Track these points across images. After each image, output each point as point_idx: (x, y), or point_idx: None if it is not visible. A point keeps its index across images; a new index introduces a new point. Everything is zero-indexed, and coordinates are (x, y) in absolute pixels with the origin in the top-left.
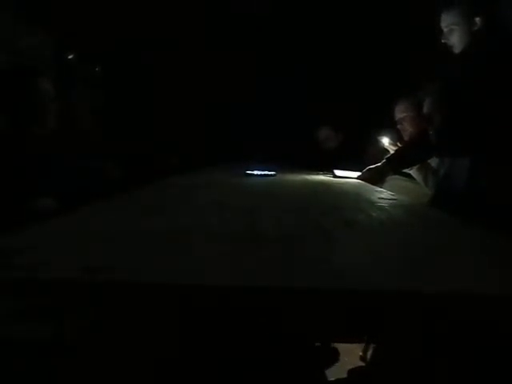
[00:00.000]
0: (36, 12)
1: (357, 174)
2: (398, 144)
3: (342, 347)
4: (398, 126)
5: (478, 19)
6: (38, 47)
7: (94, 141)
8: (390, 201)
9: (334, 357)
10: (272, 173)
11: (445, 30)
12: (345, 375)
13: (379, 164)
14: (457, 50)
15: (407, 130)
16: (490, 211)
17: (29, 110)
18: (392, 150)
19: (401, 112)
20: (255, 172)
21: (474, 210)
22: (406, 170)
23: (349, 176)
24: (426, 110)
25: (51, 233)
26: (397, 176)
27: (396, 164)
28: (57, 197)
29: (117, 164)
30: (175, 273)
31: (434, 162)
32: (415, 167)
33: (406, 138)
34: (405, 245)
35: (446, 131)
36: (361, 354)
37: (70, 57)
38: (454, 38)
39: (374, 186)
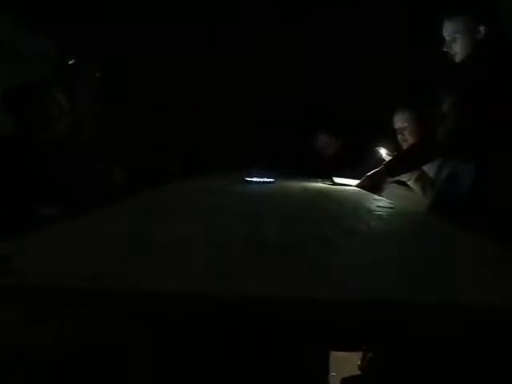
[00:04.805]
0: (38, 18)
1: (356, 181)
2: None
3: (340, 356)
4: (399, 136)
5: (482, 28)
6: (40, 53)
7: (93, 145)
8: (389, 209)
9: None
10: (271, 180)
11: (447, 38)
12: None
13: (377, 170)
14: (459, 58)
15: (408, 140)
16: (494, 215)
17: (42, 121)
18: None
19: (402, 122)
20: (254, 179)
21: (476, 213)
22: (404, 180)
23: (348, 184)
24: (444, 108)
25: (51, 239)
26: (395, 184)
27: (394, 168)
28: (59, 200)
29: (118, 169)
30: (174, 281)
31: (431, 172)
32: (413, 178)
33: (405, 147)
34: (404, 254)
35: (453, 134)
36: (359, 363)
37: (71, 62)
38: (457, 46)
39: (372, 194)
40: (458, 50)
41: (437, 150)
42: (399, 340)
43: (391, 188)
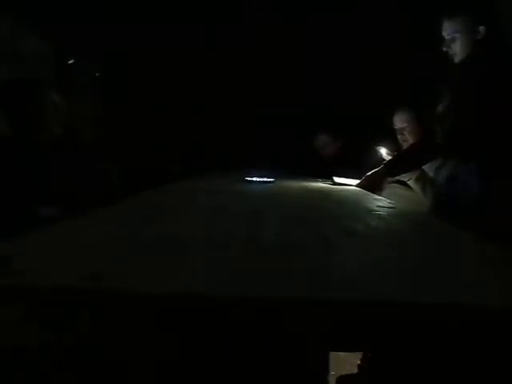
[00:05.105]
0: (37, 18)
1: (356, 181)
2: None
3: (340, 356)
4: (399, 136)
5: (481, 28)
6: (38, 53)
7: (93, 145)
8: (389, 209)
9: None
10: (271, 180)
11: (447, 38)
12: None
13: (377, 169)
14: (458, 58)
15: (408, 140)
16: (494, 215)
17: (36, 120)
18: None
19: (402, 122)
20: (254, 179)
21: (476, 213)
22: (404, 179)
23: (348, 183)
24: (443, 108)
25: (51, 239)
26: (395, 184)
27: (394, 168)
28: (59, 200)
29: (116, 169)
30: (174, 281)
31: (431, 172)
32: (413, 178)
33: (405, 147)
34: (404, 254)
35: (452, 134)
36: (359, 362)
37: (70, 62)
38: (457, 46)
39: (372, 194)
40: (457, 50)
41: (436, 150)
42: (399, 340)
43: (391, 188)
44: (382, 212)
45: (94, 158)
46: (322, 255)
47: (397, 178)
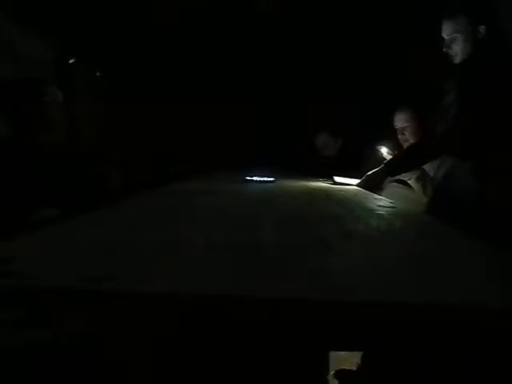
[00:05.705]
0: (35, 17)
1: (356, 181)
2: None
3: (340, 356)
4: (399, 136)
5: (482, 28)
6: (37, 53)
7: (93, 146)
8: (389, 209)
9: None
10: (271, 179)
11: (447, 38)
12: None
13: (377, 169)
14: (458, 59)
15: (408, 140)
16: (491, 214)
17: (37, 120)
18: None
19: (402, 122)
20: (254, 178)
21: (474, 213)
22: (404, 179)
23: (348, 183)
24: (443, 108)
25: (51, 241)
26: (395, 184)
27: (395, 168)
28: (58, 202)
29: (116, 170)
30: (174, 283)
31: (432, 171)
32: (414, 177)
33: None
34: (404, 254)
35: (452, 133)
36: (359, 362)
37: (70, 61)
38: (457, 46)
39: (373, 194)
40: (457, 50)
41: (436, 149)
42: (399, 340)
43: (392, 187)
44: (382, 212)
45: (92, 159)
46: (321, 255)
47: (397, 177)
